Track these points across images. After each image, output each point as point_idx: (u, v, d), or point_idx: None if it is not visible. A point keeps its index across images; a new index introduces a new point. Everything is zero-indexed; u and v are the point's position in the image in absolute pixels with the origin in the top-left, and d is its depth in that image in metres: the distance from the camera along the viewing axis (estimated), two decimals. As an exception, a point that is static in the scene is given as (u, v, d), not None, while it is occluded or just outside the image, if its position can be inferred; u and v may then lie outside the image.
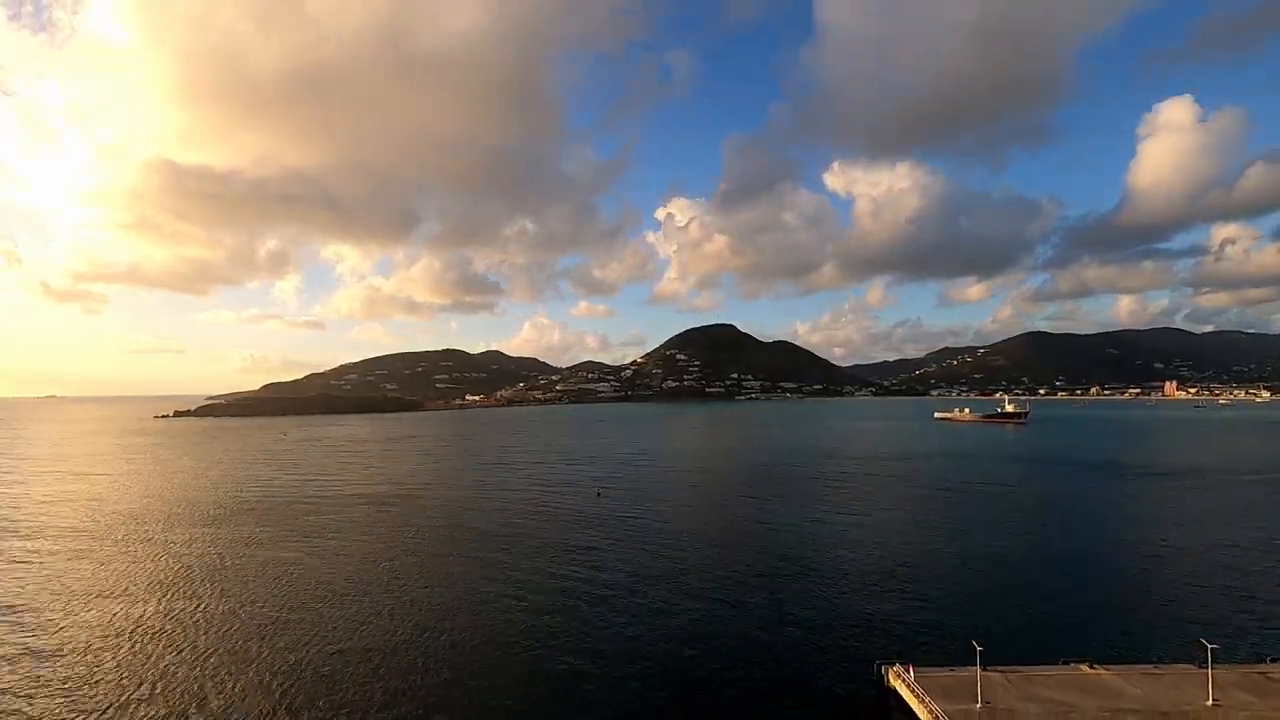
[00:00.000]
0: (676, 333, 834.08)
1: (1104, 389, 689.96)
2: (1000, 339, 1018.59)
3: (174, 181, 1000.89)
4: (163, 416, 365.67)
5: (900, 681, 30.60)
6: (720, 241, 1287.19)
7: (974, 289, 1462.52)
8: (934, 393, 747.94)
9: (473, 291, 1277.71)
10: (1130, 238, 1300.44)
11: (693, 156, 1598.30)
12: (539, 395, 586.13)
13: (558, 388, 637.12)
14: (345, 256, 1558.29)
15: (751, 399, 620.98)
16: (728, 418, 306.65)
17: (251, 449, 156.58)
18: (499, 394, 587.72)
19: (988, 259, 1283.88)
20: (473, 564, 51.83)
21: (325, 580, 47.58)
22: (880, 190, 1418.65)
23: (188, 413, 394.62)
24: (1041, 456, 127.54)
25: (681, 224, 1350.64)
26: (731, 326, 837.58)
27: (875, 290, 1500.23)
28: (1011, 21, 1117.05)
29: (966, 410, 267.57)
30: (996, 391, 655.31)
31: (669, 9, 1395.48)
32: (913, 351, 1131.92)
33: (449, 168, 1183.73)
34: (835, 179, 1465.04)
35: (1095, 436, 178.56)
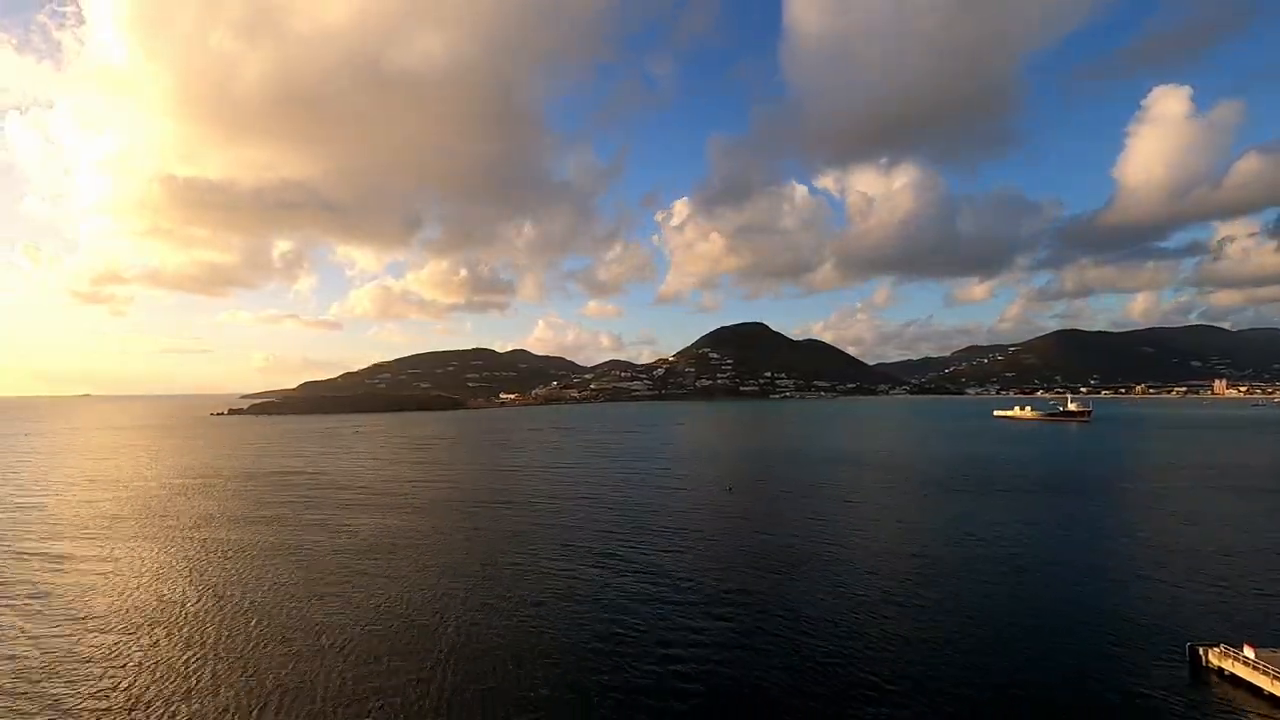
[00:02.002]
0: (693, 332, 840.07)
1: (1148, 388, 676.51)
2: (1014, 337, 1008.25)
3: (177, 192, 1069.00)
4: (218, 414, 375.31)
5: (1233, 661, 31.78)
6: (717, 242, 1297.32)
7: (978, 289, 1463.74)
8: (971, 391, 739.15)
9: (484, 291, 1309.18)
10: (1126, 237, 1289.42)
11: (688, 159, 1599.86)
12: (575, 394, 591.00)
13: (591, 386, 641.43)
14: (356, 259, 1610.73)
15: (786, 397, 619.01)
16: (786, 416, 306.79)
17: (378, 444, 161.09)
18: (535, 392, 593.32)
19: (985, 259, 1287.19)
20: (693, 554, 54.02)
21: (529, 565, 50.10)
22: (871, 192, 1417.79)
23: (241, 410, 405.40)
24: (1204, 459, 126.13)
25: (678, 225, 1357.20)
26: (762, 325, 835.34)
27: (881, 290, 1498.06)
28: (982, 24, 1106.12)
29: (1027, 409, 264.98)
30: (1036, 390, 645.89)
31: (650, 13, 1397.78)
32: (927, 350, 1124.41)
33: (444, 176, 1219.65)
34: (826, 180, 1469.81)
35: (1196, 437, 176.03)
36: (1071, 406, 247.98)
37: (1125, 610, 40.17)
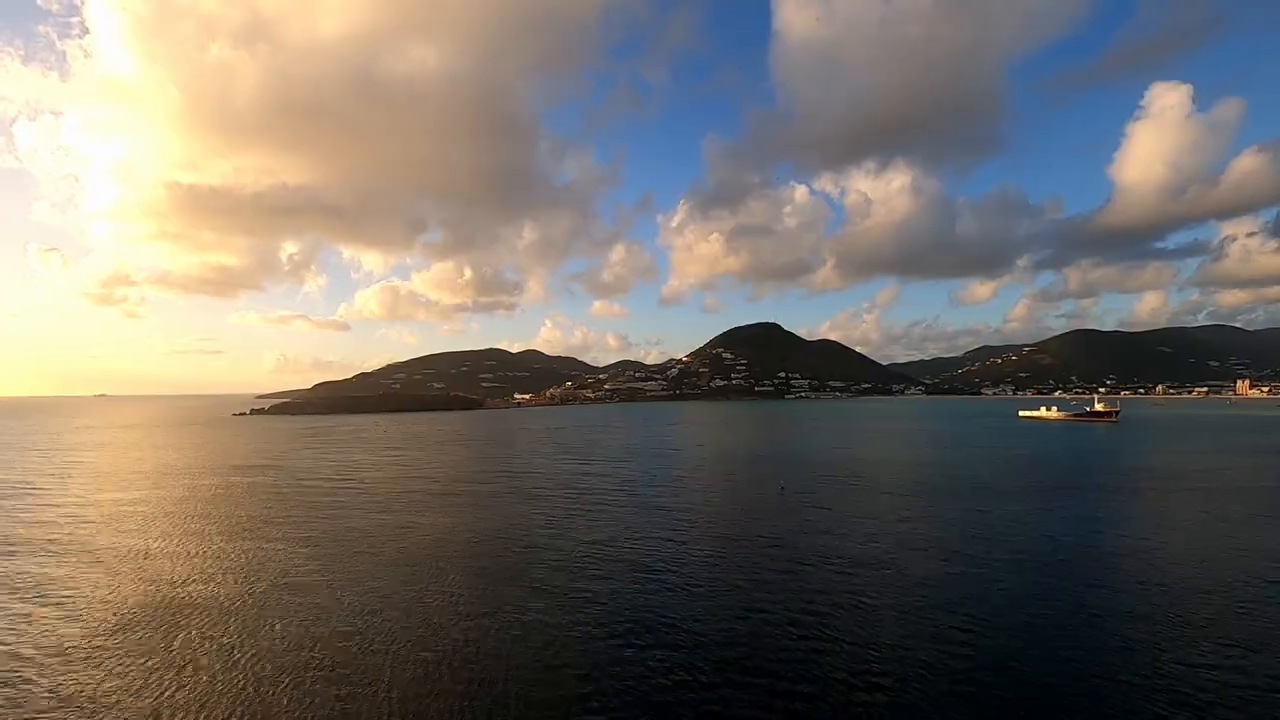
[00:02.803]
0: (699, 332, 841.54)
1: (1168, 388, 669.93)
2: (1022, 338, 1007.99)
3: (181, 197, 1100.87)
4: (240, 414, 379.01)
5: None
6: (716, 243, 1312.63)
7: (981, 289, 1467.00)
8: (988, 391, 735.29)
9: (490, 293, 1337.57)
10: (1127, 236, 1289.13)
11: (686, 161, 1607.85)
12: (590, 394, 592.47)
13: (606, 387, 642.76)
14: (363, 262, 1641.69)
15: (801, 397, 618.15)
16: (806, 416, 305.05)
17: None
18: (550, 392, 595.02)
19: (987, 260, 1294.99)
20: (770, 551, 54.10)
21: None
22: (870, 193, 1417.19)
23: (262, 410, 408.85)
24: None
25: (677, 226, 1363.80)
26: (775, 325, 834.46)
27: (884, 292, 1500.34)
28: (972, 27, 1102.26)
29: (1053, 409, 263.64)
30: (1053, 390, 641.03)
31: (644, 19, 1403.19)
32: (935, 350, 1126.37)
33: (444, 180, 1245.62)
34: (823, 182, 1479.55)
35: (1237, 439, 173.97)
36: (1099, 406, 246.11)
37: (1215, 604, 39.97)
